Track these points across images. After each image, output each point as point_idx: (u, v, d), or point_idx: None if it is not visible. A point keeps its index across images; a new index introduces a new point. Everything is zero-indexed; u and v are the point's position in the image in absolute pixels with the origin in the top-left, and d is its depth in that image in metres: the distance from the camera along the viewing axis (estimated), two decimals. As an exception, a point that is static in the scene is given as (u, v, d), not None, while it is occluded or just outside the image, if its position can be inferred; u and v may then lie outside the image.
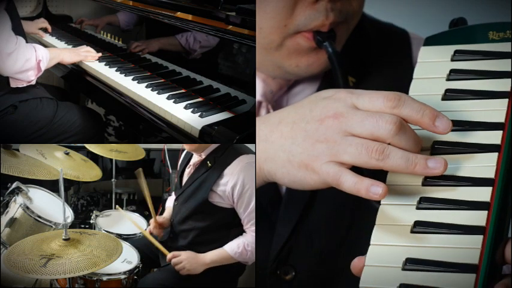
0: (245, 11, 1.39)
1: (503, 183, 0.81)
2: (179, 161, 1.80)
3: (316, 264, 1.16)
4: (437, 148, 0.86)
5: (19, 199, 1.73)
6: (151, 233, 1.72)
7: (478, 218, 0.79)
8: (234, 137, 1.26)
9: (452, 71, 0.95)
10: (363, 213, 0.94)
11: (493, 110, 0.88)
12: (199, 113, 1.40)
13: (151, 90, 1.59)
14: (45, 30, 2.23)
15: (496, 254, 0.77)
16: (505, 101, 0.88)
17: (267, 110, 1.16)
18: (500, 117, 0.86)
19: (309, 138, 0.87)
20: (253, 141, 0.94)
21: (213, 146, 1.58)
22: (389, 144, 0.83)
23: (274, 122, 0.92)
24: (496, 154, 0.83)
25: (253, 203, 1.51)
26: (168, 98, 1.53)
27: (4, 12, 1.62)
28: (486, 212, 0.79)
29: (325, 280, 1.17)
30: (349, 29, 1.13)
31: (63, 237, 1.37)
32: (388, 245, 0.82)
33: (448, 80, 0.94)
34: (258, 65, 1.14)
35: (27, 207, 1.71)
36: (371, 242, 0.82)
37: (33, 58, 1.67)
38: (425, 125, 0.84)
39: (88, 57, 1.87)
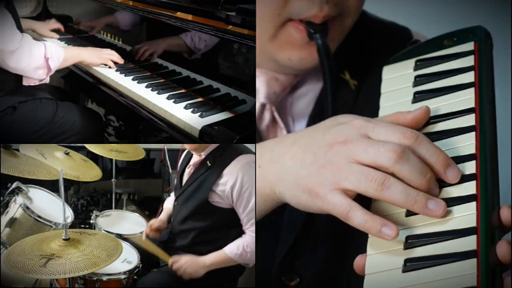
0: (245, 11, 1.39)
1: (485, 154, 0.84)
2: (179, 161, 1.80)
3: (321, 269, 1.15)
4: None
5: (19, 199, 1.73)
6: (147, 236, 1.72)
7: (470, 188, 0.82)
8: (234, 137, 1.26)
9: (417, 76, 0.99)
10: None
11: (462, 100, 0.92)
12: (199, 113, 1.40)
13: (151, 90, 1.59)
14: (58, 31, 2.21)
15: (492, 218, 0.79)
16: (472, 90, 0.92)
17: (271, 112, 1.16)
18: (470, 104, 0.91)
19: (316, 162, 0.87)
20: (253, 141, 0.94)
21: (213, 145, 1.58)
22: (392, 173, 0.82)
23: (288, 144, 0.92)
24: (473, 133, 0.87)
25: (252, 203, 1.51)
26: (168, 98, 1.53)
27: (5, 10, 1.61)
28: (474, 182, 0.82)
29: (330, 286, 1.16)
30: (344, 27, 1.12)
31: (63, 237, 1.37)
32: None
33: (414, 86, 0.99)
34: (258, 60, 1.14)
35: (27, 207, 1.71)
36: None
37: (40, 56, 1.65)
38: (435, 171, 0.83)
39: (109, 62, 1.81)
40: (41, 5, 2.44)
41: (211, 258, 1.56)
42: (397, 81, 1.02)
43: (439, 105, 0.93)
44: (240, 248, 1.54)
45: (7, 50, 1.59)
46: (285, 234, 1.13)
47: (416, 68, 1.02)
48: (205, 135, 1.32)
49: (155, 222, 1.74)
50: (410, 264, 0.78)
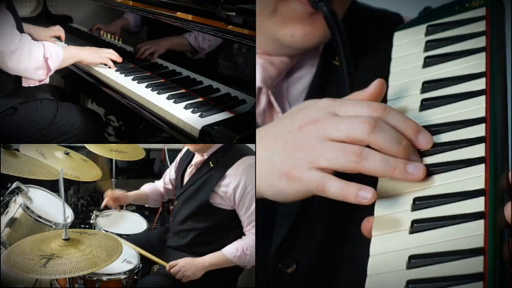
0: (245, 11, 1.39)
1: (495, 117, 0.84)
2: (178, 159, 1.79)
3: (318, 255, 1.15)
4: (427, 104, 0.90)
5: (19, 199, 1.73)
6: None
7: (479, 151, 0.82)
8: (234, 137, 1.26)
9: (428, 41, 0.99)
10: None
11: (473, 64, 0.92)
12: (199, 113, 1.40)
13: (151, 90, 1.59)
14: (58, 38, 2.16)
15: (500, 181, 0.79)
16: (483, 54, 0.93)
17: (267, 96, 1.15)
18: (481, 68, 0.91)
19: (288, 146, 0.87)
20: (254, 141, 0.94)
21: (216, 146, 1.58)
22: (368, 145, 0.82)
23: (258, 137, 0.92)
24: (483, 97, 0.87)
25: (254, 205, 1.51)
26: (168, 98, 1.53)
27: (6, 11, 1.60)
28: (483, 144, 0.82)
29: (327, 271, 1.16)
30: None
31: (63, 237, 1.37)
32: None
33: (425, 51, 0.99)
34: (257, 41, 1.12)
35: (27, 207, 1.71)
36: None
37: (39, 56, 1.63)
38: (408, 138, 0.84)
39: (109, 62, 1.80)
40: (41, 5, 2.44)
41: (210, 260, 1.56)
42: (408, 47, 1.02)
43: (449, 69, 0.93)
44: (240, 250, 1.54)
45: (8, 51, 1.58)
46: (281, 221, 1.13)
47: (427, 34, 1.01)
48: (205, 135, 1.32)
49: (116, 191, 1.82)
50: (418, 226, 0.78)
